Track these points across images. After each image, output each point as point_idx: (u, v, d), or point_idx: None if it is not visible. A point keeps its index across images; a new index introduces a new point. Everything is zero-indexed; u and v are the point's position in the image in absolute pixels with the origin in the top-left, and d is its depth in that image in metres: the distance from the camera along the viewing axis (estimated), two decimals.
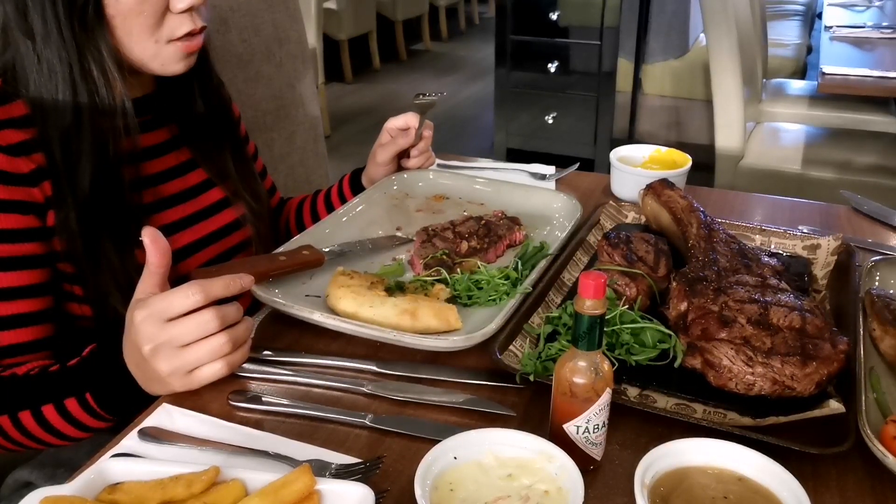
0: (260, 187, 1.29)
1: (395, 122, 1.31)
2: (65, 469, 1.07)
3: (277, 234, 1.40)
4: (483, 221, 1.20)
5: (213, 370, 0.85)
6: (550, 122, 3.96)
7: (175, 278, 0.89)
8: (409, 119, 1.30)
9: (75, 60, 0.96)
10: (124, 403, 0.91)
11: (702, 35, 4.10)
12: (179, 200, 1.15)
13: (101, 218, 1.00)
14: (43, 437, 0.94)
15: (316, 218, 1.38)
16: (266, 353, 0.94)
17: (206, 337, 0.83)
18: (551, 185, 1.51)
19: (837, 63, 2.59)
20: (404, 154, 1.36)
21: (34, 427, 0.92)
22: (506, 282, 1.04)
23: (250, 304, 1.20)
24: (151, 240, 0.85)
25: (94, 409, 0.91)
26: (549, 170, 1.57)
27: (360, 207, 1.28)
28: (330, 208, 1.38)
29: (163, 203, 1.13)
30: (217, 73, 1.22)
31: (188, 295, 0.82)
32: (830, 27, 3.16)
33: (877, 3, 3.68)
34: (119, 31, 0.98)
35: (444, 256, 1.09)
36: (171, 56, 1.03)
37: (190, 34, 1.02)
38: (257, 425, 0.83)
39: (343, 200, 1.37)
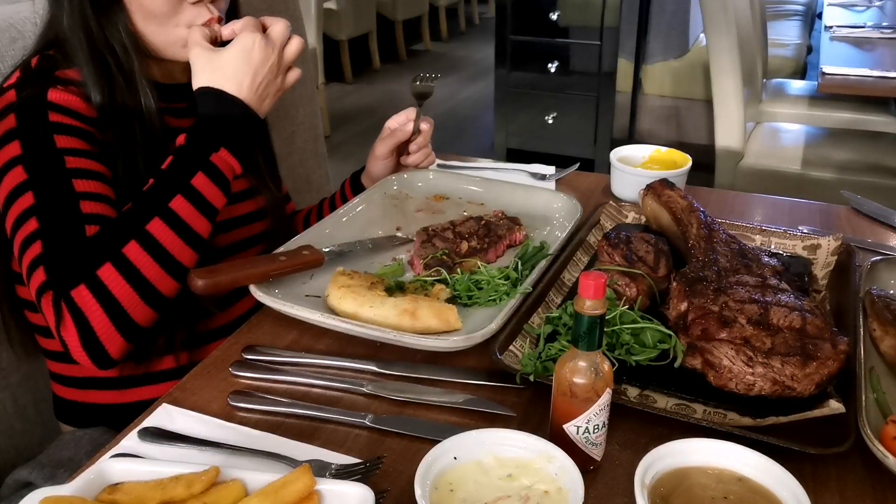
0: (279, 178, 1.34)
1: (396, 119, 1.33)
2: (65, 469, 1.07)
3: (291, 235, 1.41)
4: (483, 221, 1.19)
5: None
6: (550, 122, 3.96)
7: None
8: (409, 113, 1.32)
9: (97, 30, 1.03)
10: (247, 140, 1.03)
11: (702, 35, 4.09)
12: None
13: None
14: (194, 221, 0.97)
15: None
16: (266, 352, 0.95)
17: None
18: (551, 185, 1.51)
19: (837, 63, 2.59)
20: (404, 151, 1.36)
21: (187, 209, 0.96)
22: (506, 282, 1.04)
23: (240, 301, 1.21)
24: None
25: (230, 163, 1.01)
26: (549, 170, 1.57)
27: (360, 207, 1.27)
28: None
29: None
30: None
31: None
32: (830, 27, 3.16)
33: (877, 3, 3.68)
34: (137, 16, 1.04)
35: (444, 256, 1.09)
36: None
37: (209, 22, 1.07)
38: (257, 425, 0.83)
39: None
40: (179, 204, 0.96)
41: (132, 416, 0.86)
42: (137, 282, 0.92)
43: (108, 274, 0.91)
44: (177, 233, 0.95)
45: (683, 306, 0.94)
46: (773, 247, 1.17)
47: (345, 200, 1.38)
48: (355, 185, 1.38)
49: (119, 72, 1.04)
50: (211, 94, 1.01)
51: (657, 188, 1.20)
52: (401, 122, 1.32)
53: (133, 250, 0.92)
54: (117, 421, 0.92)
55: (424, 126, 1.32)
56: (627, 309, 0.96)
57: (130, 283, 0.92)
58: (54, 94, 1.01)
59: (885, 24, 3.26)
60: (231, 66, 1.01)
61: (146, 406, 0.87)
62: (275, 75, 1.05)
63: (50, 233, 0.94)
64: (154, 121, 1.06)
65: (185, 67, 1.15)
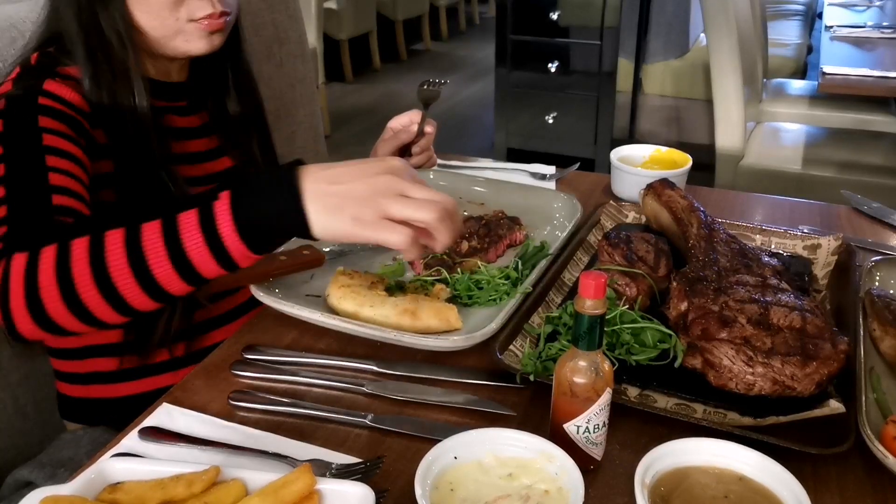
0: None
1: (398, 120, 1.32)
2: (65, 469, 1.07)
3: None
4: (483, 221, 1.19)
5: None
6: (550, 122, 3.96)
7: None
8: (413, 115, 1.32)
9: (94, 21, 1.01)
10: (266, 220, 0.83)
11: (702, 35, 4.10)
12: (204, 182, 1.17)
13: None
14: (164, 277, 0.80)
15: None
16: (266, 352, 0.95)
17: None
18: (551, 185, 1.51)
19: (838, 63, 2.59)
20: (406, 152, 1.36)
21: (153, 242, 0.79)
22: (506, 282, 1.04)
23: (245, 298, 1.20)
24: None
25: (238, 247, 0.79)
26: (550, 170, 1.57)
27: None
28: None
29: (188, 182, 1.13)
30: (248, 60, 1.24)
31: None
32: (831, 27, 3.16)
33: (877, 3, 3.68)
34: (136, 7, 1.02)
35: (445, 256, 1.09)
36: (192, 33, 1.05)
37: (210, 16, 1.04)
38: (257, 425, 0.83)
39: None
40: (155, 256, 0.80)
41: (135, 410, 0.86)
42: (64, 280, 0.80)
43: (46, 256, 0.81)
44: (134, 272, 0.80)
45: (683, 306, 0.94)
46: (773, 246, 1.17)
47: None
48: None
49: (113, 65, 1.03)
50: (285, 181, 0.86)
51: (657, 188, 1.20)
52: (404, 123, 1.32)
53: (79, 248, 0.80)
54: (121, 415, 0.91)
55: (428, 129, 1.33)
56: (627, 309, 0.96)
57: (57, 277, 0.80)
58: (50, 84, 1.00)
59: (885, 24, 3.26)
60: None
61: (148, 398, 0.87)
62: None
63: (15, 199, 0.90)
64: (145, 119, 1.05)
65: (183, 65, 1.16)
